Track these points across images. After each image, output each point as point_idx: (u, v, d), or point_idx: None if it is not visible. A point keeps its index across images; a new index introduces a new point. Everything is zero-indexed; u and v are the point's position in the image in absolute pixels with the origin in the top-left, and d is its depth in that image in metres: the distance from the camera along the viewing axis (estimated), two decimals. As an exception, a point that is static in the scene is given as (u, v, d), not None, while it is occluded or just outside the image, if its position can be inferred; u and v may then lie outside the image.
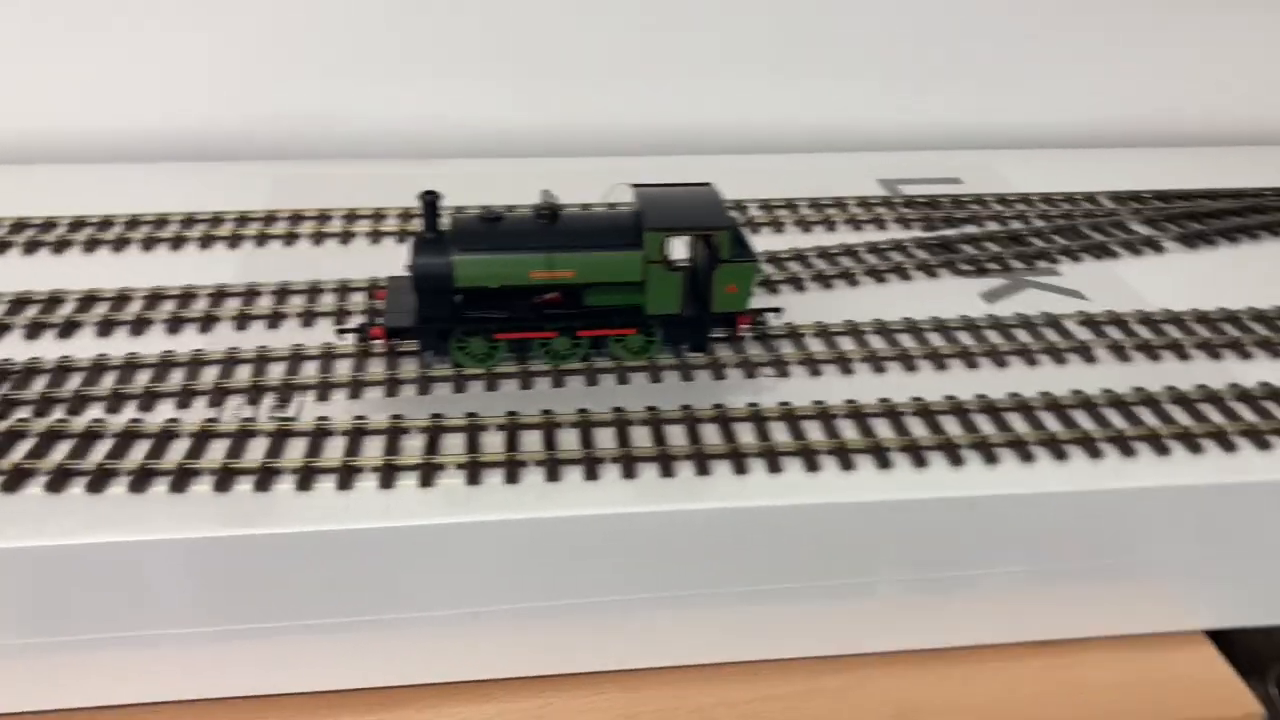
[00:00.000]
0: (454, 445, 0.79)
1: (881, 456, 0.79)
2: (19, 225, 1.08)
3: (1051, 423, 0.84)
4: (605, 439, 0.80)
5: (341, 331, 0.87)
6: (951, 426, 0.83)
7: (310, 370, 0.87)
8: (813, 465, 0.79)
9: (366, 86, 1.29)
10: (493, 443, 0.79)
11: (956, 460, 0.80)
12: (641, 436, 0.80)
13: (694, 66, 1.34)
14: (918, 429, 0.83)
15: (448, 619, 0.77)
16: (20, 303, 0.95)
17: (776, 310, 0.94)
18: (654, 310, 0.86)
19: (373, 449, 0.78)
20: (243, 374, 0.86)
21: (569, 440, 0.80)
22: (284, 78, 1.28)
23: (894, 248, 1.11)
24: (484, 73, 1.31)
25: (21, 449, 0.77)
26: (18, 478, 0.74)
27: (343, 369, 0.87)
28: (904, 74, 1.38)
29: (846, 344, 0.93)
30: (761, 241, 1.11)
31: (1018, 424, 0.84)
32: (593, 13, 1.30)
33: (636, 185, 0.88)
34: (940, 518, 0.78)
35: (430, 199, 0.83)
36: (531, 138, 1.34)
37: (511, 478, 0.76)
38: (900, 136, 1.39)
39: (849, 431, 0.82)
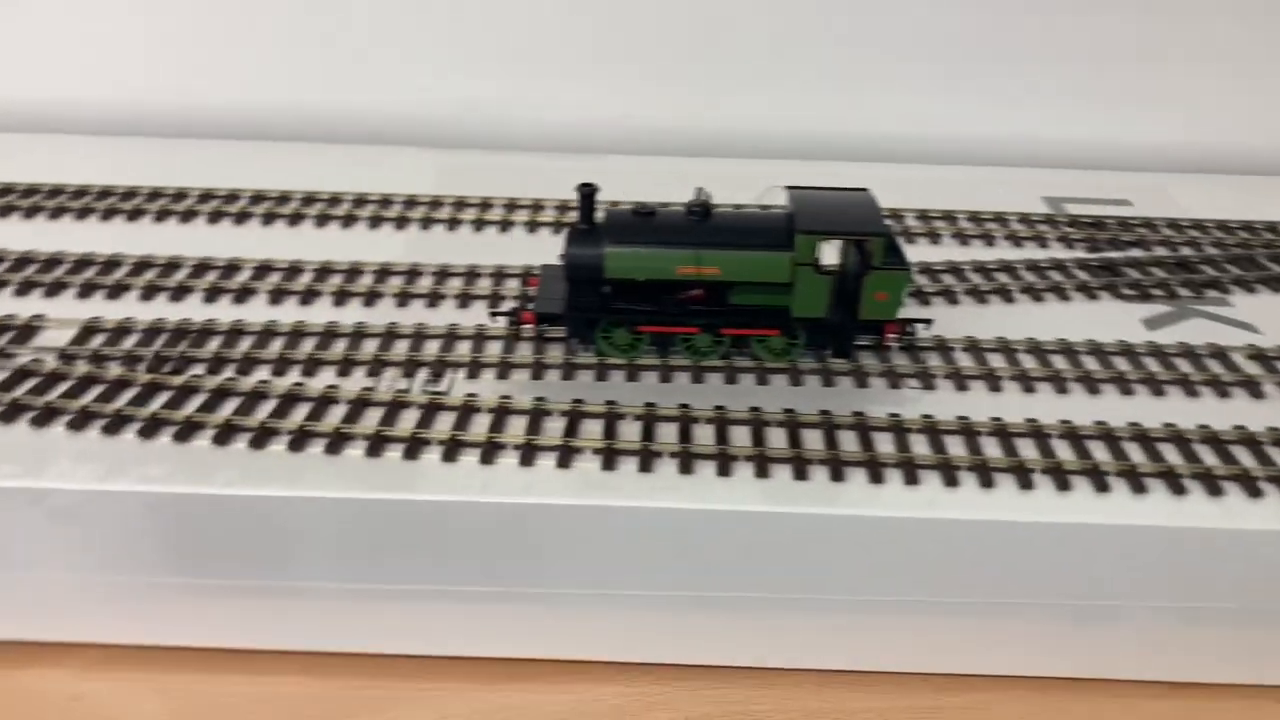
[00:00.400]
0: (592, 430, 0.80)
1: (1024, 477, 0.78)
2: (206, 196, 1.15)
3: (1208, 456, 0.81)
4: (740, 437, 0.81)
5: (495, 314, 0.90)
6: (1100, 452, 0.81)
7: (463, 349, 0.90)
8: (952, 480, 0.77)
9: (536, 81, 1.33)
10: (629, 431, 0.81)
11: (1102, 487, 0.77)
12: (777, 438, 0.81)
13: (858, 72, 1.33)
14: (1064, 452, 0.80)
15: (577, 598, 0.78)
16: (201, 268, 1.01)
17: (926, 321, 0.92)
18: (800, 313, 0.86)
19: (515, 428, 0.80)
20: (400, 348, 0.90)
21: (704, 435, 0.80)
22: (455, 69, 1.33)
23: (1054, 267, 1.08)
24: (651, 73, 1.32)
25: (193, 403, 0.82)
26: (188, 429, 0.79)
27: (493, 350, 0.90)
28: (1079, 89, 1.34)
29: (996, 361, 0.91)
30: (916, 252, 1.10)
31: (1171, 455, 0.81)
32: (759, 16, 1.30)
33: (790, 187, 0.89)
34: (1081, 544, 0.76)
35: (588, 191, 0.85)
36: (693, 138, 1.35)
37: (645, 466, 0.77)
38: (1070, 154, 1.35)
39: (991, 449, 0.80)
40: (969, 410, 0.84)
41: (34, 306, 0.94)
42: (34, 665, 0.79)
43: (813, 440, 0.81)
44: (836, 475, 0.77)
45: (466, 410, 0.82)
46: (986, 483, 0.77)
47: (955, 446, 0.81)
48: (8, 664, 0.79)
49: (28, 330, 0.90)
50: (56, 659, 0.80)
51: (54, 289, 0.97)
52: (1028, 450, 0.80)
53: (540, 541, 0.76)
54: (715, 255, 0.84)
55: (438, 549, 0.76)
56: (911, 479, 0.77)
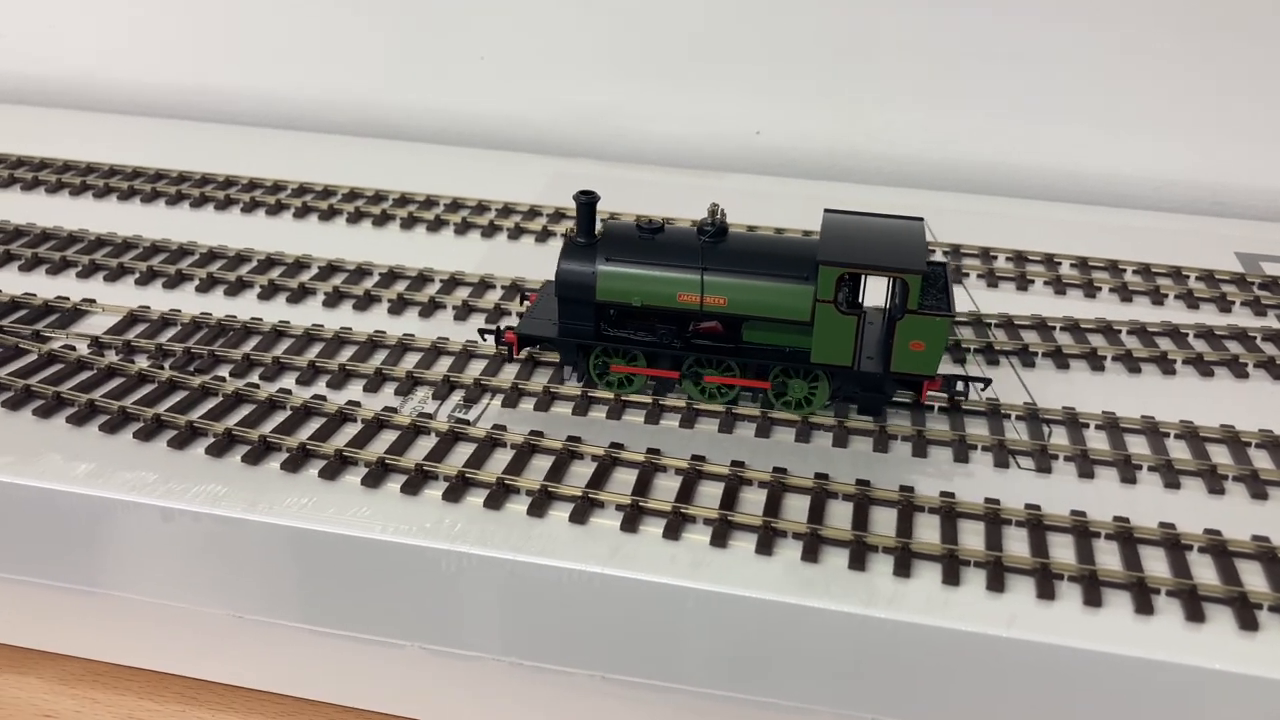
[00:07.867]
0: (539, 467, 0.70)
1: (1046, 584, 0.60)
2: (326, 191, 1.13)
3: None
4: (708, 495, 0.68)
5: (482, 332, 0.81)
6: (1204, 571, 0.62)
7: (475, 369, 0.81)
8: (953, 578, 0.61)
9: (662, 92, 1.24)
10: (577, 475, 0.70)
11: (1196, 615, 0.59)
12: (751, 500, 0.67)
13: (1029, 96, 1.14)
14: (1154, 563, 0.62)
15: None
16: (267, 263, 0.98)
17: (985, 381, 0.75)
18: (819, 358, 0.71)
19: (459, 455, 0.71)
20: (409, 362, 0.82)
21: (665, 488, 0.68)
22: (577, 79, 1.26)
23: (1233, 336, 0.86)
24: (789, 89, 1.20)
25: (203, 408, 0.78)
26: (190, 434, 0.76)
27: (473, 370, 0.80)
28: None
29: (1097, 440, 0.73)
30: (1064, 306, 0.91)
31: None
32: (919, 31, 1.15)
33: (830, 210, 0.75)
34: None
35: (586, 200, 0.75)
36: (831, 161, 1.21)
37: (578, 518, 0.66)
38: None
39: (1015, 545, 0.63)
40: (1010, 494, 0.67)
41: (90, 290, 0.94)
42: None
43: (793, 508, 0.66)
44: (810, 554, 0.63)
45: (414, 431, 0.74)
46: (995, 585, 0.60)
47: (969, 536, 0.64)
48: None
49: (74, 313, 0.91)
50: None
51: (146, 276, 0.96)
52: (1062, 551, 0.63)
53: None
54: (723, 283, 0.71)
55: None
56: (902, 569, 0.62)
